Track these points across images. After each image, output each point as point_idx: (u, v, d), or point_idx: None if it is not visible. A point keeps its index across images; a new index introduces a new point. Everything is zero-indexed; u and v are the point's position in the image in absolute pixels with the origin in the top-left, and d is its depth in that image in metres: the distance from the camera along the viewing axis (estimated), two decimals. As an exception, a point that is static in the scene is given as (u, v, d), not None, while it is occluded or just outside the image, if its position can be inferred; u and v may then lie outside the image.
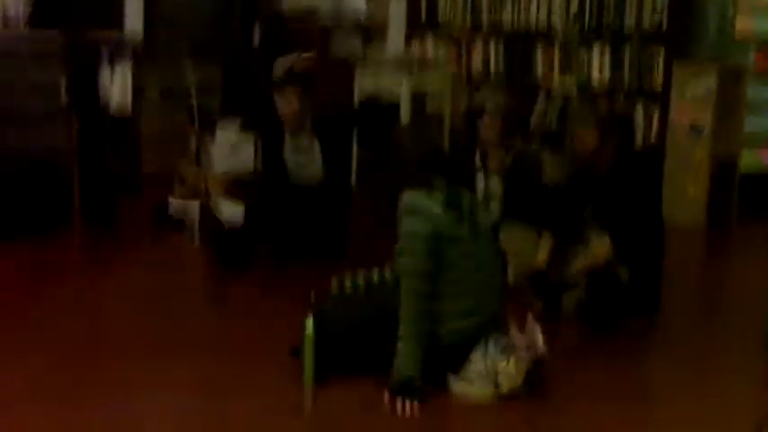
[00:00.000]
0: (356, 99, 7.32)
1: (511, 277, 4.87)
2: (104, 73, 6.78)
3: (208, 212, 5.53)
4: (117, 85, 6.78)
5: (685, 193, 6.79)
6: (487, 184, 5.28)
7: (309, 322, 3.60)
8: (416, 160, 3.76)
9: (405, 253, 3.59)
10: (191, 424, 3.40)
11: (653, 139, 7.05)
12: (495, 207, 5.25)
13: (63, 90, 6.21)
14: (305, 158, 5.53)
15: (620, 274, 4.60)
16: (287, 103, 5.52)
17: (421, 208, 3.59)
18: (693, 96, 6.76)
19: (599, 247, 4.63)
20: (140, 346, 4.16)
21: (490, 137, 5.27)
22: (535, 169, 5.32)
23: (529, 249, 4.86)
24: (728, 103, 6.81)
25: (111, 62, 6.78)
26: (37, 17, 6.58)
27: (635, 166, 4.89)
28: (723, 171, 6.89)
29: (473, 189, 5.20)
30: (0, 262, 5.33)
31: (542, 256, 4.78)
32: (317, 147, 5.57)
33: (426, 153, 3.80)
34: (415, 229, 3.57)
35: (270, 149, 5.64)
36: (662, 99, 7.00)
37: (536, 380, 3.58)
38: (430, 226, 3.56)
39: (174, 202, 6.08)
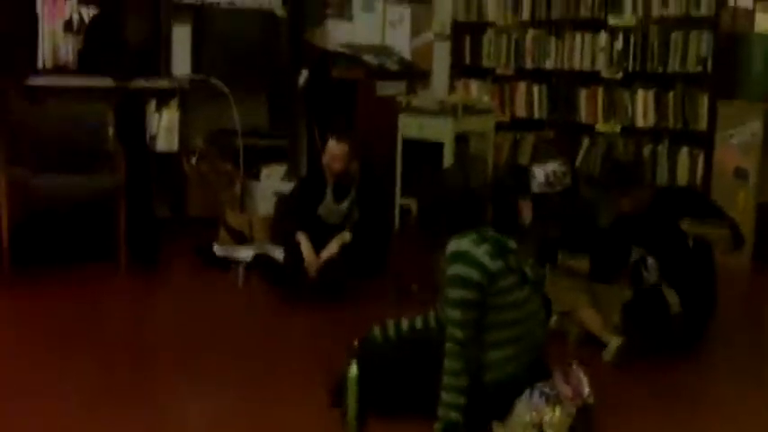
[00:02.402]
0: (399, 139, 7.37)
1: (553, 322, 4.85)
2: (152, 117, 6.89)
3: (261, 256, 5.64)
4: (164, 128, 6.88)
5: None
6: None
7: (353, 366, 3.60)
8: (463, 204, 3.72)
9: (450, 302, 3.54)
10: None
11: (698, 183, 7.02)
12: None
13: (111, 132, 6.32)
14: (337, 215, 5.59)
15: (668, 299, 4.61)
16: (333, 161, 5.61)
17: (468, 256, 3.53)
18: (739, 141, 6.72)
19: None
20: (182, 359, 4.43)
21: (527, 221, 5.32)
22: (591, 214, 5.31)
23: (573, 297, 4.85)
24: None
25: (159, 107, 6.90)
26: (86, 63, 6.73)
27: (670, 202, 4.92)
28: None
29: (521, 235, 5.19)
30: (47, 291, 5.49)
31: None
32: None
33: (473, 198, 3.77)
34: (461, 277, 3.51)
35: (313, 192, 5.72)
36: (706, 142, 6.97)
37: (583, 429, 3.55)
38: (476, 275, 3.51)
39: (219, 249, 6.12)
